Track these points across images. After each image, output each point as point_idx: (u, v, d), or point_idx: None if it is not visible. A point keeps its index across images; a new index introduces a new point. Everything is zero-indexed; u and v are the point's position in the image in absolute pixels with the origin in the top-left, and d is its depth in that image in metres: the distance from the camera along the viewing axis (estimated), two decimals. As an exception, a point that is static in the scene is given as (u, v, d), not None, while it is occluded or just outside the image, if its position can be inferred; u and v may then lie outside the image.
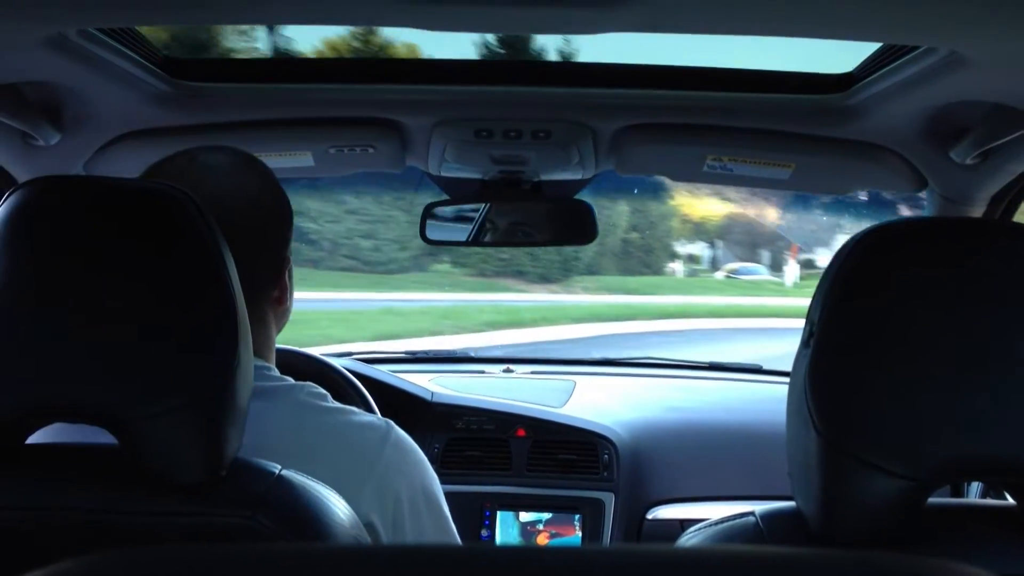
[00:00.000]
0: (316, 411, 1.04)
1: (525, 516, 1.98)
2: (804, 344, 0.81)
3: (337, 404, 1.07)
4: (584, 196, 1.86)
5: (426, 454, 2.01)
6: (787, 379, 0.86)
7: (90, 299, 0.76)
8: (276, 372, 1.08)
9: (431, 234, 1.90)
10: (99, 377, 0.76)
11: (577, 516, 1.97)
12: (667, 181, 1.85)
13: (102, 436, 0.80)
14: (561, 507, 1.98)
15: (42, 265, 0.77)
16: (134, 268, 0.77)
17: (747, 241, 21.64)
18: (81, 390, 0.76)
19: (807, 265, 17.43)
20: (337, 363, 1.85)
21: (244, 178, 1.08)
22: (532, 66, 1.75)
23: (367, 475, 1.01)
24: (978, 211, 1.59)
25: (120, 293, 0.77)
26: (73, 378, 0.76)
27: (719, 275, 21.24)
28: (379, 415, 1.12)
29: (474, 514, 1.97)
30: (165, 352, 0.77)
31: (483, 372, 2.51)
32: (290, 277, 1.15)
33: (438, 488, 1.12)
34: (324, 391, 1.07)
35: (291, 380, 1.06)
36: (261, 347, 1.08)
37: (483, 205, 1.95)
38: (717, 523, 0.87)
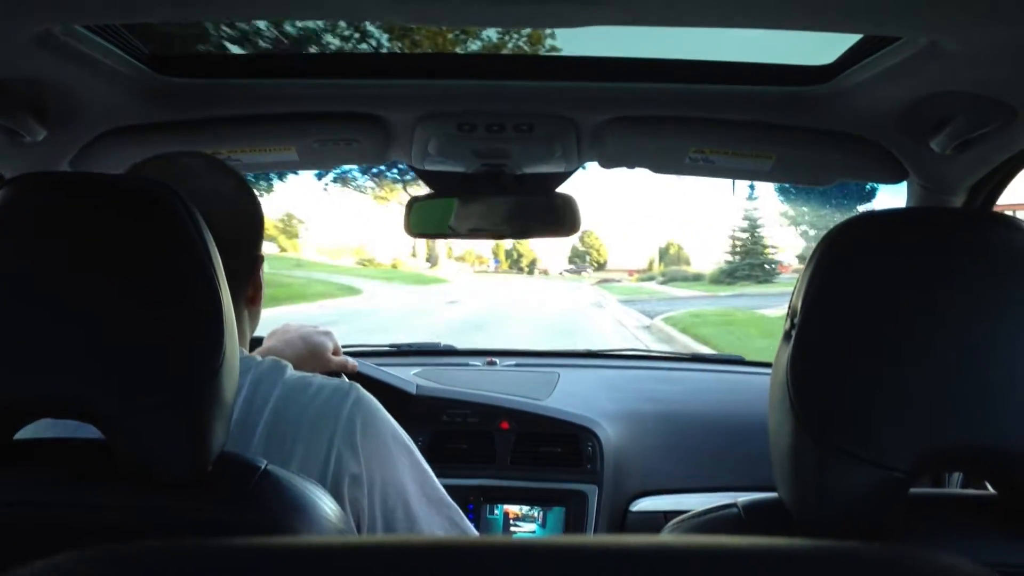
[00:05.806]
0: (279, 378, 1.06)
1: (510, 509, 1.99)
2: (786, 335, 0.82)
3: (299, 372, 1.09)
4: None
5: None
6: (768, 370, 0.86)
7: (74, 295, 0.76)
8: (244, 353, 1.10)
9: (415, 227, 1.90)
10: (83, 373, 0.75)
11: (561, 509, 1.97)
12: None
13: (92, 431, 0.79)
14: (545, 500, 1.99)
15: (26, 260, 0.76)
16: (119, 264, 0.77)
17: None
18: (65, 386, 0.76)
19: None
20: None
21: (220, 179, 1.12)
22: (514, 60, 1.75)
23: (334, 428, 1.04)
24: (958, 200, 1.60)
25: (105, 288, 0.76)
26: (56, 374, 0.75)
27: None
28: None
29: (459, 507, 1.97)
30: (150, 348, 0.76)
31: (467, 365, 2.51)
32: (261, 276, 1.18)
33: (404, 433, 1.16)
34: (286, 362, 1.10)
35: (258, 357, 1.09)
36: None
37: (466, 198, 1.95)
38: (700, 514, 0.88)
